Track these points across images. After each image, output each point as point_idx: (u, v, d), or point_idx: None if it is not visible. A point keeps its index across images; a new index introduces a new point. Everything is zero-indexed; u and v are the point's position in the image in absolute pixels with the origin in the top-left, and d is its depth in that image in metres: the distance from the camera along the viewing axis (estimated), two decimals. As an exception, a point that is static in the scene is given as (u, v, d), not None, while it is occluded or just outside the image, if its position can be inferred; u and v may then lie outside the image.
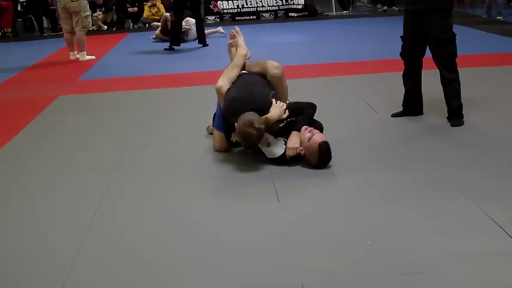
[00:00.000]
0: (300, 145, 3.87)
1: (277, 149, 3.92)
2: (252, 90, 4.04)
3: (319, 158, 3.80)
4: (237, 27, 4.62)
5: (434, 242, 2.80)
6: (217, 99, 4.24)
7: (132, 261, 2.77)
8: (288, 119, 3.96)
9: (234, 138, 3.94)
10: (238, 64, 4.29)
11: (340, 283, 2.51)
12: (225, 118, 3.99)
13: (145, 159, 4.26)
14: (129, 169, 4.06)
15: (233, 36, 4.53)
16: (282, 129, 3.96)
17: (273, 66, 4.15)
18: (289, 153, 3.87)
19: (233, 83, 4.16)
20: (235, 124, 3.82)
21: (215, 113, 4.36)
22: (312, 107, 4.08)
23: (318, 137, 3.82)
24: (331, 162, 3.84)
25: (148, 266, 2.71)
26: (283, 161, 3.90)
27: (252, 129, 3.72)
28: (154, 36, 10.85)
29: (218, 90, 4.14)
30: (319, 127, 4.03)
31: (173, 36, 9.59)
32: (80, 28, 8.87)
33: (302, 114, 4.01)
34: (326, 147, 3.80)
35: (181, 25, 9.72)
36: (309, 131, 3.87)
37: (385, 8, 14.29)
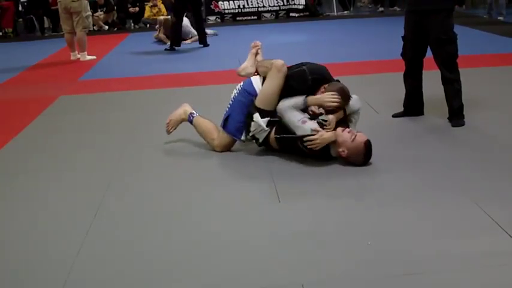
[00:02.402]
0: (340, 146, 3.80)
1: (310, 125, 3.82)
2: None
3: (365, 156, 3.80)
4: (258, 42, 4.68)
5: (435, 242, 2.79)
6: (255, 84, 4.15)
7: (132, 261, 2.77)
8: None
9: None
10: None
11: (340, 283, 2.50)
12: (304, 80, 3.98)
13: (145, 159, 4.26)
14: (129, 169, 4.06)
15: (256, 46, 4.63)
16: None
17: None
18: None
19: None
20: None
21: (228, 115, 4.21)
22: None
23: (360, 136, 3.79)
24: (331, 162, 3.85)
25: (148, 266, 2.70)
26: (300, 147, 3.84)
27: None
28: (155, 35, 10.86)
29: (282, 68, 3.97)
30: None
31: (174, 36, 9.58)
32: (80, 28, 8.87)
33: None
34: (370, 145, 3.80)
35: (182, 25, 9.72)
36: (348, 132, 3.81)
37: (381, 9, 14.27)
